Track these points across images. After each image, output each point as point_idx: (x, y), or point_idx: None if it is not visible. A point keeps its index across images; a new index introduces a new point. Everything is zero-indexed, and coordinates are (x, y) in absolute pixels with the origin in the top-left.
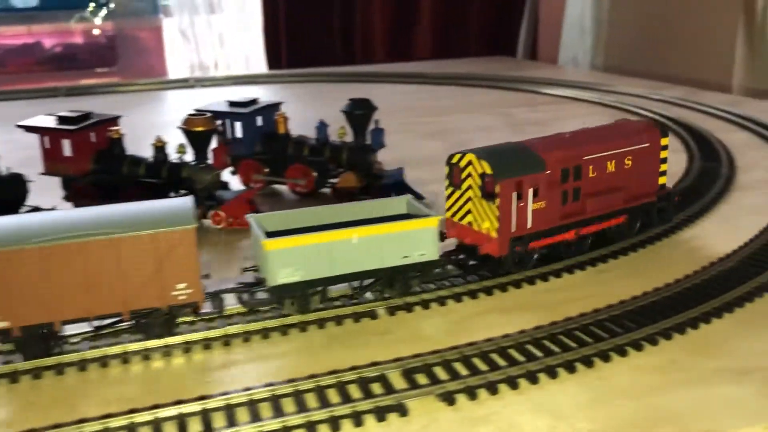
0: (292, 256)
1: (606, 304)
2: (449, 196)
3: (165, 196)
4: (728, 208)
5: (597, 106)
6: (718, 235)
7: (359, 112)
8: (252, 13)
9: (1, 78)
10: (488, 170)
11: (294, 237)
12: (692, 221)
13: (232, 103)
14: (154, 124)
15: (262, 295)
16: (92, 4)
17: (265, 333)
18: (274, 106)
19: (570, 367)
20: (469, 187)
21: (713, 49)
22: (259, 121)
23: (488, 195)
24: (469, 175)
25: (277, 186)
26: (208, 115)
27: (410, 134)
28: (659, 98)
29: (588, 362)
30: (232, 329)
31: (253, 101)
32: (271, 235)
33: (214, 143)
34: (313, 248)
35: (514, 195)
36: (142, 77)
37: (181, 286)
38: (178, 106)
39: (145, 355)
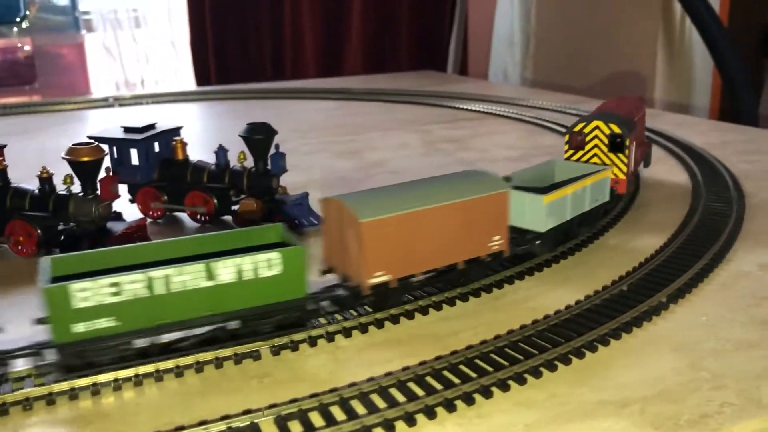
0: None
1: (494, 335)
2: (569, 158)
3: (50, 228)
4: (634, 226)
5: (515, 122)
6: (615, 256)
7: (259, 137)
8: (179, 29)
9: None
10: (617, 130)
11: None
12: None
13: (127, 129)
14: (65, 148)
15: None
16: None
17: (138, 380)
18: (173, 131)
19: (450, 406)
20: (596, 146)
21: (634, 63)
22: (157, 146)
23: (619, 147)
24: (596, 136)
25: (177, 213)
26: (95, 144)
27: (325, 154)
28: (575, 112)
29: (469, 399)
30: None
31: (151, 126)
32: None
33: (102, 173)
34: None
35: (633, 146)
36: (63, 95)
37: (496, 238)
38: (95, 127)
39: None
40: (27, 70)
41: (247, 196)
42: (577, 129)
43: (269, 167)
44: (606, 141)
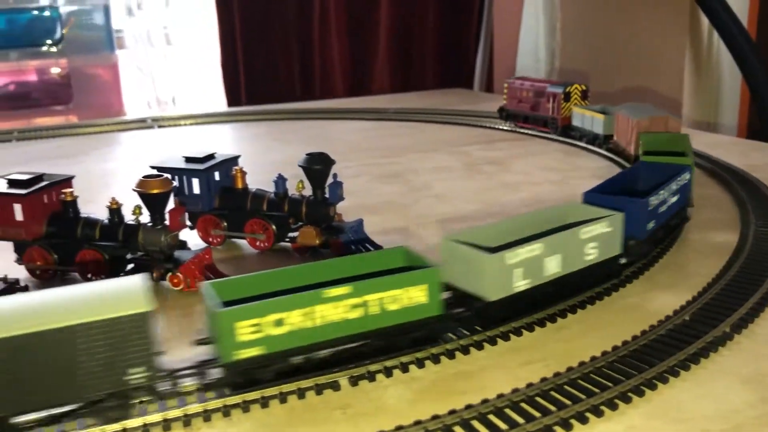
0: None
1: (564, 366)
2: None
3: (121, 258)
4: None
5: (550, 143)
6: (671, 283)
7: (317, 167)
8: (210, 47)
9: None
10: None
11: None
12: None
13: (189, 159)
14: (110, 172)
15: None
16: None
17: (225, 411)
18: (232, 160)
19: None
20: None
21: (662, 79)
22: (217, 176)
23: None
24: None
25: (236, 240)
26: (164, 176)
27: (367, 176)
28: None
29: None
30: (192, 408)
31: (211, 156)
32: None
33: (171, 204)
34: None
35: None
36: (98, 115)
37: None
38: (135, 149)
39: None
40: (63, 91)
41: (305, 223)
42: None
43: (327, 196)
44: None
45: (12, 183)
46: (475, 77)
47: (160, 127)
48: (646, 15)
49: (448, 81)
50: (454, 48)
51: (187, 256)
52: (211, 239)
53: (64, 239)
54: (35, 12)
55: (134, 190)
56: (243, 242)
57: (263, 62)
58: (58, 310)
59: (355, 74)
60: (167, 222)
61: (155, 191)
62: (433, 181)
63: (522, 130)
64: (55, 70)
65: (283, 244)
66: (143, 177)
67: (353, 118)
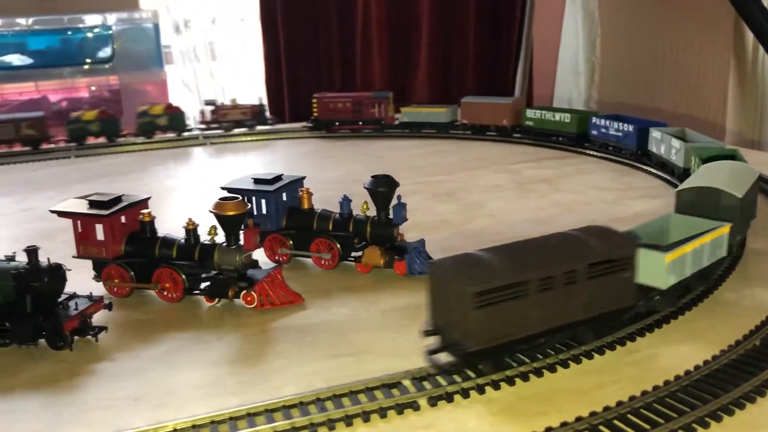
0: None
1: (638, 390)
2: None
3: (194, 276)
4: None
5: (598, 161)
6: (735, 309)
7: (382, 189)
8: (254, 61)
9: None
10: None
11: None
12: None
13: (257, 180)
14: (170, 189)
15: None
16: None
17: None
18: (298, 182)
19: None
20: None
21: (704, 93)
22: (284, 196)
23: None
24: None
25: (301, 259)
26: (239, 198)
27: (421, 195)
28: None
29: None
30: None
31: (279, 177)
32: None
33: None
34: None
35: None
36: None
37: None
38: (190, 166)
39: None
40: (114, 107)
41: (369, 243)
42: None
43: (391, 217)
44: None
45: (93, 204)
46: (516, 90)
47: (212, 144)
48: (688, 30)
49: (488, 92)
50: (493, 64)
51: (260, 275)
52: (277, 257)
53: (141, 258)
54: (87, 31)
55: (211, 212)
56: (308, 261)
57: (306, 80)
58: None
59: (396, 88)
60: (242, 242)
61: (231, 213)
62: (485, 200)
63: (569, 147)
64: (106, 87)
65: (346, 262)
66: (219, 199)
67: (397, 135)
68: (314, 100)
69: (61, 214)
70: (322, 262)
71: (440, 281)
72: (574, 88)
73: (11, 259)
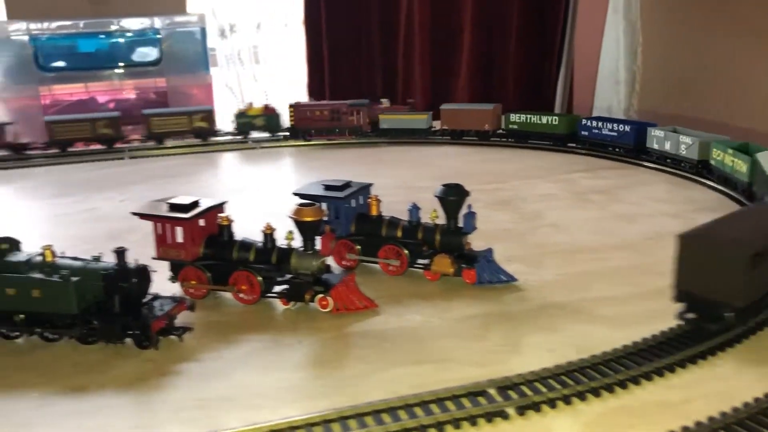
0: None
1: (728, 405)
2: None
3: (270, 279)
4: None
5: (655, 172)
6: None
7: (452, 198)
8: (296, 66)
9: None
10: None
11: None
12: None
13: (328, 187)
14: (228, 191)
15: None
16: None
17: None
18: (366, 188)
19: None
20: None
21: (752, 102)
22: (353, 203)
23: None
24: None
25: (369, 265)
26: (317, 205)
27: (478, 203)
28: None
29: None
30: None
31: (348, 184)
32: None
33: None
34: None
35: None
36: None
37: None
38: (244, 170)
39: None
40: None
41: (438, 251)
42: None
43: (461, 225)
44: None
45: (174, 207)
46: (557, 101)
47: (262, 148)
48: (732, 37)
49: (526, 102)
50: (535, 72)
51: (334, 279)
52: (344, 263)
53: (219, 260)
54: (136, 34)
55: (290, 218)
56: (375, 267)
57: (348, 86)
58: None
59: (437, 95)
60: (318, 247)
61: (309, 219)
62: (544, 210)
63: (622, 158)
64: (153, 89)
65: (412, 269)
66: (298, 205)
67: (439, 142)
68: (291, 110)
69: (143, 216)
70: (390, 268)
71: (703, 247)
72: (613, 97)
73: (98, 259)
